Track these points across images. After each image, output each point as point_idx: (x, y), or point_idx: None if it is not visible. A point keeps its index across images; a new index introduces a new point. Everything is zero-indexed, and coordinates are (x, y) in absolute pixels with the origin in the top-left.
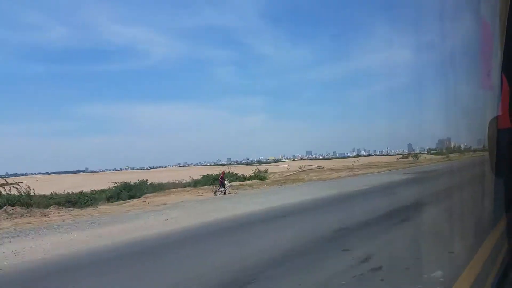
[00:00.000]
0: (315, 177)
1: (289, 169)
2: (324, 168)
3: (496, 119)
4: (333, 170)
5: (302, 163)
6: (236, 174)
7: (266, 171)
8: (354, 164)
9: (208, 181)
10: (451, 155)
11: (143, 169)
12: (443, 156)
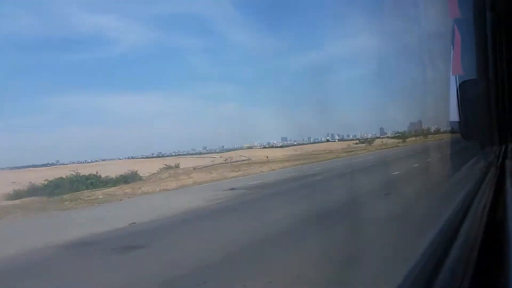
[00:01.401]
0: (186, 182)
1: (214, 162)
2: (249, 160)
3: (457, 90)
4: (256, 163)
5: (252, 152)
6: (99, 176)
7: (177, 165)
8: (284, 154)
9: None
10: (408, 139)
11: (116, 159)
12: (399, 141)
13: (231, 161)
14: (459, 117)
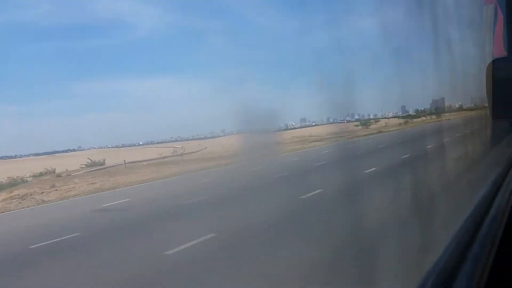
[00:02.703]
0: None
1: (162, 155)
2: (198, 152)
3: (492, 67)
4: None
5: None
6: None
7: (103, 162)
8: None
9: None
10: (414, 120)
11: (135, 145)
12: (402, 122)
13: (182, 153)
14: (488, 95)
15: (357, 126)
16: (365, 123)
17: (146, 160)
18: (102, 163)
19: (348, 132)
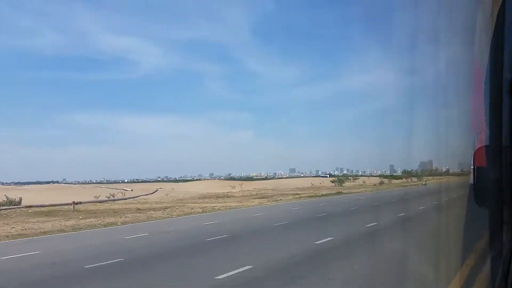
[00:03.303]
0: None
1: (97, 199)
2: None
3: (473, 156)
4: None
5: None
6: None
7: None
8: (232, 190)
9: None
10: (393, 181)
11: (120, 182)
12: (374, 185)
13: (114, 198)
14: (473, 180)
15: (332, 182)
16: (340, 180)
17: (57, 205)
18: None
19: (314, 189)
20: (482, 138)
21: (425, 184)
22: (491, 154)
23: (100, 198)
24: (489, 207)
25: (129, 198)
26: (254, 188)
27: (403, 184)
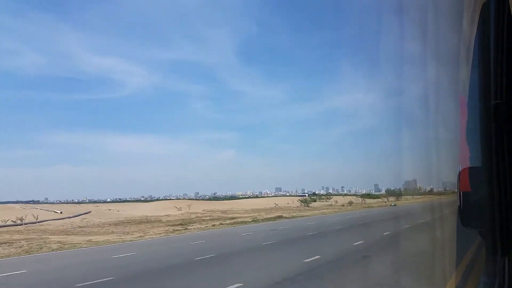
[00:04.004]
0: None
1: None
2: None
3: (459, 180)
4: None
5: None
6: None
7: None
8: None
9: None
10: (352, 204)
11: (104, 201)
12: (346, 202)
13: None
14: (458, 200)
15: (300, 201)
16: (306, 201)
17: None
18: None
19: (266, 211)
20: (467, 158)
21: (394, 205)
22: (475, 175)
23: (9, 222)
24: (477, 228)
25: (36, 222)
26: (203, 210)
27: (371, 205)
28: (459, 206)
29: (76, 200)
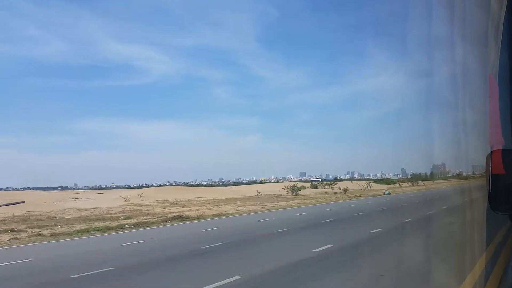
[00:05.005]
0: None
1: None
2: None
3: (490, 161)
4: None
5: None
6: None
7: None
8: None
9: None
10: (389, 185)
11: (130, 187)
12: (335, 193)
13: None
14: (487, 184)
15: (287, 189)
16: (293, 188)
17: None
18: None
19: (235, 201)
20: (498, 140)
21: (388, 193)
22: (508, 156)
23: None
24: (506, 212)
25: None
26: (155, 201)
27: (369, 194)
28: (488, 190)
29: (104, 186)
